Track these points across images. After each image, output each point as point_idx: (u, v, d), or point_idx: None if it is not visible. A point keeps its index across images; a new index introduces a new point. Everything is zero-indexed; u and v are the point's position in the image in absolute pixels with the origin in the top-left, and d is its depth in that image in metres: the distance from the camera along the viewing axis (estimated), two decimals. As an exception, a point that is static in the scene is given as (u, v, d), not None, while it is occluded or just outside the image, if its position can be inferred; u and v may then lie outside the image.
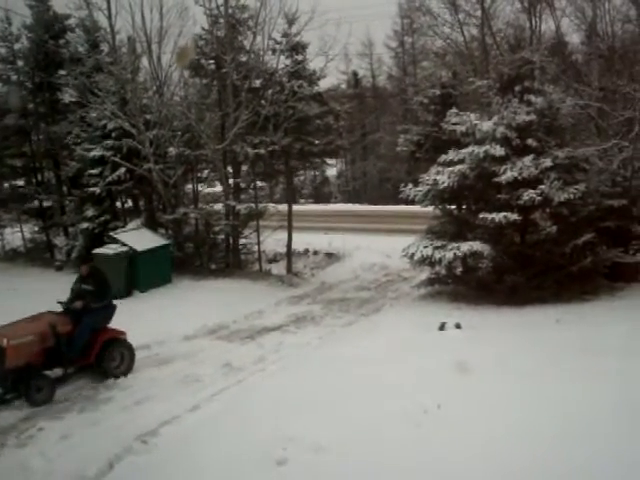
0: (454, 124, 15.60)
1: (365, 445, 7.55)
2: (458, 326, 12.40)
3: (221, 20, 18.86)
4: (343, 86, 40.57)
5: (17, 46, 21.57)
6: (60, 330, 10.26)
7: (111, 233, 17.50)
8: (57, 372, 10.34)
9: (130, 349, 11.07)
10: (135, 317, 14.28)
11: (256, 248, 19.98)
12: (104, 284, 11.00)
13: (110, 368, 10.74)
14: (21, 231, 22.34)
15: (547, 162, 14.44)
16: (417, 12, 32.46)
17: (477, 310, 14.04)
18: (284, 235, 19.80)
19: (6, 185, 22.58)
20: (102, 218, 18.71)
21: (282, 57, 18.90)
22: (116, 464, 7.68)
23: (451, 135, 15.88)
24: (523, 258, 14.75)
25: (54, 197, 21.49)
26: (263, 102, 18.41)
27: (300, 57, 18.88)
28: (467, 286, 15.55)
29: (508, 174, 14.28)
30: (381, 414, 8.33)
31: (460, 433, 7.65)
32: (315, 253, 22.20)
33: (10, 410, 9.48)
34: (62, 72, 20.99)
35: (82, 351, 10.55)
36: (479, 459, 7.03)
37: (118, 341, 10.97)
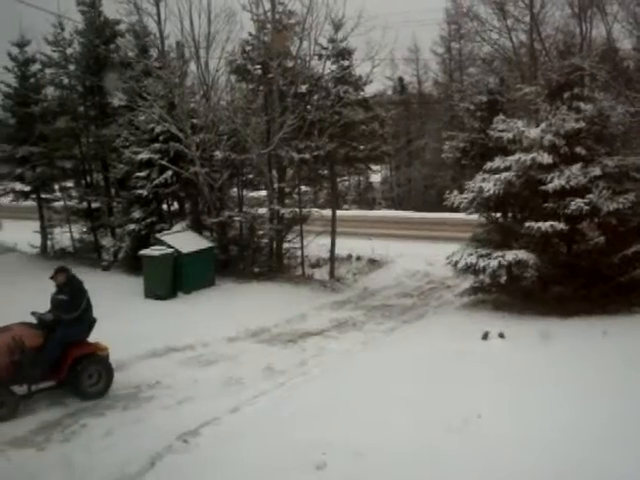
0: (501, 131, 15.43)
1: (404, 453, 7.52)
2: (501, 336, 12.25)
3: (268, 26, 19.01)
4: (389, 92, 40.58)
5: (69, 51, 21.97)
6: (28, 343, 9.54)
7: (157, 235, 17.74)
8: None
9: (107, 366, 10.25)
10: (179, 318, 14.57)
11: (299, 252, 20.02)
12: (78, 295, 10.11)
13: (83, 386, 9.94)
14: (70, 231, 22.78)
15: (596, 171, 14.19)
16: (464, 18, 32.38)
17: (521, 320, 13.83)
18: (327, 240, 19.82)
19: (56, 186, 23.06)
20: (148, 220, 18.97)
21: (328, 62, 18.97)
22: (157, 462, 7.79)
23: (497, 142, 15.70)
24: (569, 268, 14.49)
25: (102, 199, 21.85)
26: (309, 107, 18.49)
27: (346, 63, 18.89)
28: (511, 295, 15.34)
29: (555, 182, 14.07)
30: (421, 422, 8.29)
31: (500, 443, 7.57)
32: (358, 259, 22.15)
33: (56, 406, 9.66)
34: (112, 76, 21.35)
35: (53, 367, 9.77)
36: (517, 470, 6.95)
37: (94, 357, 10.15)
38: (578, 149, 14.55)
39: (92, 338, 12.17)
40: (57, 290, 10.18)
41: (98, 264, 20.78)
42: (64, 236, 22.96)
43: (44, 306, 10.27)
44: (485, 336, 12.28)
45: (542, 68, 18.62)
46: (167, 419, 9.05)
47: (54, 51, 21.88)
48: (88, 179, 22.62)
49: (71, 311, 9.90)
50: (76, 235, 22.79)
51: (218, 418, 9.05)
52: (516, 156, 14.70)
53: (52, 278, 10.18)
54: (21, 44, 22.13)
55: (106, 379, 10.22)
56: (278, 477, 7.20)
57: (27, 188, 22.94)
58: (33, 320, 10.06)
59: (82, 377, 9.94)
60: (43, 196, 23.14)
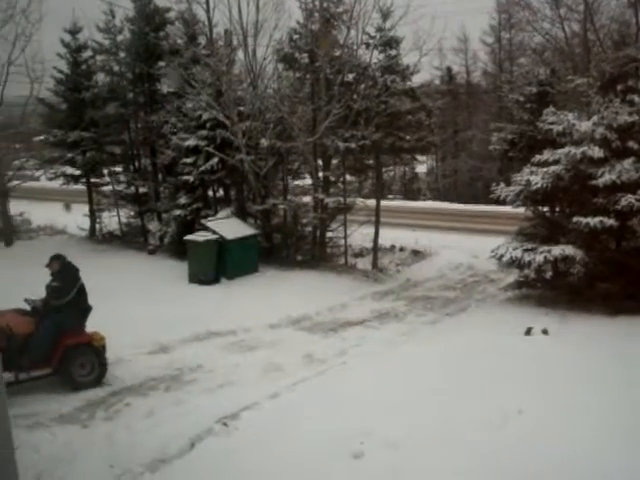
0: (550, 123, 15.15)
1: (442, 445, 7.50)
2: (545, 332, 12.09)
3: (316, 14, 18.97)
4: (436, 82, 40.13)
5: (119, 38, 22.34)
6: (18, 330, 9.37)
7: (202, 221, 17.94)
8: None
9: (101, 357, 9.98)
10: (222, 303, 14.74)
11: (342, 242, 20.01)
12: (70, 281, 9.82)
13: (74, 376, 9.69)
14: (118, 215, 23.22)
15: (649, 166, 13.84)
16: (516, 7, 31.78)
17: (566, 317, 13.61)
18: (371, 230, 19.77)
19: (105, 171, 23.48)
20: (194, 206, 19.19)
21: (375, 52, 18.83)
22: (197, 444, 7.93)
23: (547, 135, 15.42)
24: (618, 265, 14.17)
25: (149, 184, 22.17)
26: (355, 96, 18.41)
27: (394, 52, 18.74)
28: (556, 291, 15.09)
29: (606, 177, 13.76)
30: (460, 416, 8.25)
31: (539, 440, 7.49)
32: (401, 250, 22.06)
33: (101, 385, 9.88)
34: (161, 63, 21.61)
35: (45, 355, 9.57)
36: (555, 467, 6.88)
37: (88, 347, 9.91)
38: (630, 143, 14.19)
39: (137, 320, 12.46)
40: (52, 278, 9.88)
41: (144, 248, 21.16)
42: (112, 220, 23.43)
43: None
44: (528, 332, 12.14)
45: (595, 59, 18.14)
46: (208, 402, 9.18)
47: (105, 38, 22.30)
48: (136, 164, 22.98)
49: (61, 297, 9.67)
50: (124, 219, 23.24)
51: (258, 403, 9.15)
52: (566, 149, 14.43)
53: (47, 266, 9.91)
54: (73, 31, 22.59)
55: (99, 370, 9.93)
56: (315, 465, 7.24)
57: (77, 172, 23.41)
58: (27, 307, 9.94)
59: (74, 367, 9.71)
60: (92, 180, 23.62)
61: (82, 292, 10.00)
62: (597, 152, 13.98)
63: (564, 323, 13.01)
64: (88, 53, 22.94)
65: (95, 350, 9.95)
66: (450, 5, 35.72)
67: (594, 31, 24.17)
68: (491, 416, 8.09)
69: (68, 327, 9.78)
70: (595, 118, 14.46)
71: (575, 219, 14.00)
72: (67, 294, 9.71)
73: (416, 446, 7.50)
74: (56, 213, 27.30)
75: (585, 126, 14.38)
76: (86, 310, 10.09)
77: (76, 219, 23.76)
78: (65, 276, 9.84)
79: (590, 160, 14.11)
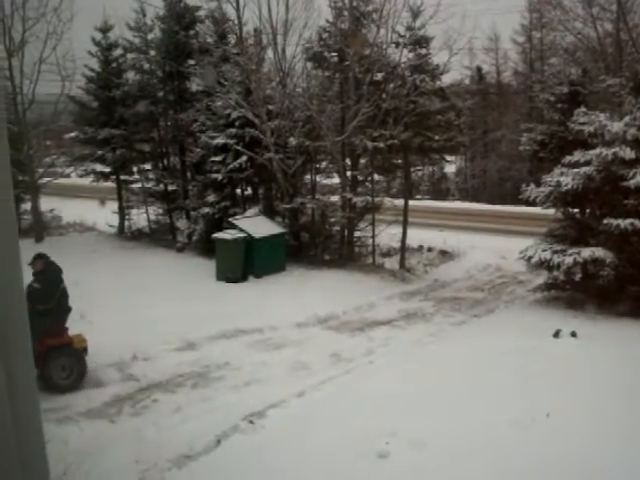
0: (582, 124, 14.97)
1: (468, 446, 7.47)
2: (574, 335, 11.96)
3: (345, 13, 18.95)
4: (466, 81, 39.85)
5: (150, 36, 22.54)
6: None
7: (230, 219, 18.03)
8: None
9: (80, 360, 9.84)
10: (249, 301, 14.81)
11: (370, 241, 19.98)
12: (52, 285, 9.63)
13: (54, 378, 9.56)
14: (147, 212, 23.42)
15: (682, 168, 13.63)
16: (547, 6, 31.48)
17: (595, 320, 13.46)
18: (399, 230, 19.70)
19: (134, 168, 23.72)
20: (222, 204, 19.29)
21: (405, 51, 18.75)
22: (223, 441, 7.99)
23: (578, 135, 15.25)
24: (649, 268, 13.99)
25: (178, 182, 22.34)
26: (384, 96, 18.35)
27: (423, 51, 18.65)
28: (586, 294, 14.91)
29: (638, 178, 13.58)
30: (487, 417, 8.21)
31: (567, 443, 7.42)
32: (429, 250, 21.95)
33: (129, 380, 9.99)
34: (191, 62, 21.75)
35: None
36: (583, 470, 6.82)
37: (68, 349, 9.78)
38: (663, 145, 14.00)
39: (165, 317, 12.58)
40: (33, 278, 9.56)
41: (173, 245, 21.33)
42: (141, 217, 23.64)
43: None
44: (557, 334, 12.02)
45: (628, 59, 17.97)
46: (234, 399, 9.25)
47: (135, 36, 22.51)
48: (165, 162, 23.17)
49: (44, 302, 9.42)
50: (152, 216, 23.43)
51: (284, 401, 9.18)
52: (597, 150, 14.26)
53: (31, 265, 9.56)
54: (104, 29, 22.85)
55: (78, 372, 9.78)
56: (341, 464, 7.26)
57: (107, 169, 23.65)
58: None
59: (55, 368, 9.59)
60: (122, 177, 23.86)
61: (64, 295, 9.81)
62: (629, 153, 13.80)
63: (593, 326, 12.86)
64: (119, 51, 23.18)
65: (75, 352, 9.85)
66: (481, 4, 35.31)
67: (627, 31, 23.83)
68: (519, 418, 8.04)
69: (49, 329, 9.49)
70: (627, 119, 14.27)
71: (606, 221, 13.84)
72: (51, 299, 9.56)
73: (441, 446, 7.48)
74: (86, 210, 27.59)
75: (617, 127, 14.20)
76: (67, 311, 9.91)
77: (106, 216, 24.02)
78: (47, 278, 9.65)
79: (621, 161, 13.93)
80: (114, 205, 24.50)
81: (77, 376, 9.78)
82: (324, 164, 20.68)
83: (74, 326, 10.21)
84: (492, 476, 6.89)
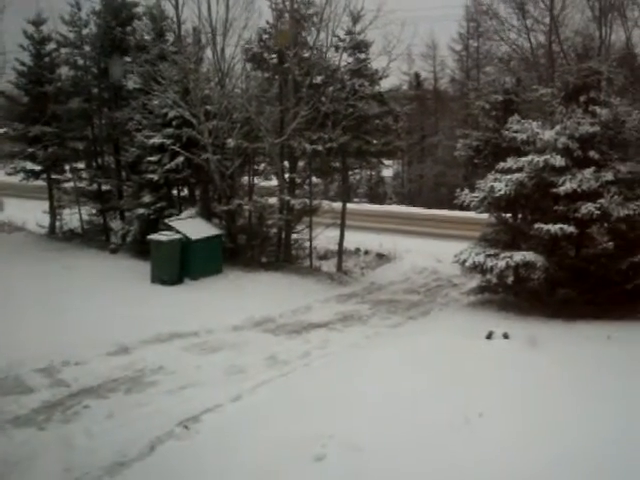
0: (515, 131, 15.36)
1: (404, 448, 7.52)
2: (506, 336, 12.21)
3: (286, 15, 18.94)
4: (405, 87, 40.31)
5: (85, 31, 21.93)
6: None
7: (166, 220, 17.75)
8: None
9: None
10: (185, 304, 14.62)
11: (307, 244, 20.02)
12: None
13: None
14: (79, 213, 22.81)
15: (608, 176, 14.13)
16: (484, 16, 32.23)
17: (526, 321, 13.80)
18: (336, 233, 19.80)
19: (67, 167, 23.08)
20: (158, 205, 18.98)
21: (345, 55, 18.93)
22: (157, 447, 7.82)
23: (511, 142, 15.65)
24: (577, 272, 14.44)
25: (113, 181, 21.87)
26: (323, 99, 18.42)
27: (363, 56, 18.84)
28: (517, 296, 15.32)
29: (567, 185, 14.00)
30: (421, 419, 8.28)
31: (500, 443, 7.56)
32: (366, 253, 22.14)
33: (58, 386, 9.71)
34: (127, 59, 21.34)
35: None
36: (515, 469, 6.96)
37: None
38: (591, 153, 14.48)
39: (97, 320, 12.31)
40: None
41: (106, 247, 20.87)
42: (73, 217, 23.00)
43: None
44: (489, 335, 12.24)
45: (559, 70, 18.48)
46: (169, 404, 9.08)
47: (70, 31, 21.88)
48: (99, 161, 22.63)
49: None
50: (85, 217, 22.84)
51: (220, 405, 9.08)
52: (529, 157, 14.64)
53: None
54: (37, 22, 22.16)
55: None
56: (277, 468, 7.20)
57: (38, 168, 22.96)
58: None
59: None
60: (53, 176, 23.18)
61: None
62: (559, 161, 14.22)
63: (524, 328, 13.14)
64: (52, 46, 22.46)
65: None
66: (420, 12, 35.93)
67: (559, 43, 24.64)
68: (452, 419, 8.13)
69: None
70: (558, 128, 14.70)
71: (536, 226, 14.22)
72: None
73: (378, 449, 7.51)
74: (15, 209, 26.69)
75: (548, 135, 14.62)
76: None
77: (35, 216, 23.29)
78: None
79: (552, 168, 14.35)
80: (40, 205, 23.74)
81: None
82: (262, 166, 20.61)
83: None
84: (428, 477, 6.96)
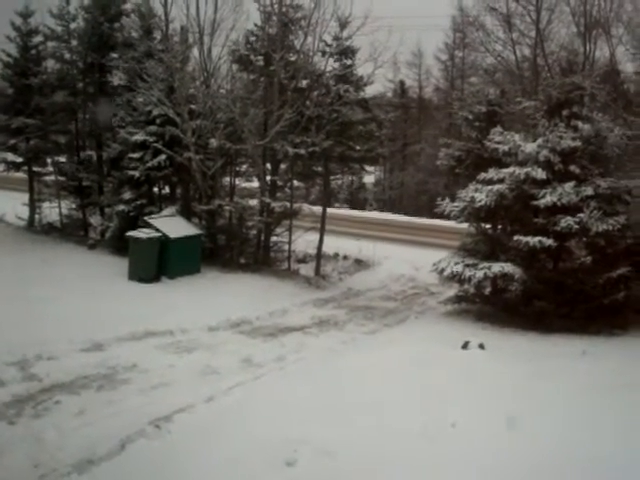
0: (497, 143, 15.48)
1: (376, 454, 7.53)
2: (482, 346, 12.27)
3: (274, 17, 18.95)
4: (389, 94, 40.55)
5: (73, 25, 21.85)
6: None
7: (146, 218, 17.65)
8: None
9: None
10: (161, 303, 14.53)
11: (287, 247, 20.01)
12: None
13: None
14: (59, 206, 22.62)
15: (588, 190, 14.27)
16: (470, 27, 32.39)
17: (502, 332, 13.90)
18: (315, 237, 19.81)
19: (48, 160, 22.90)
20: (138, 202, 18.87)
21: (331, 60, 18.99)
22: (127, 445, 7.75)
23: (493, 153, 15.76)
24: (554, 285, 14.56)
25: (94, 177, 21.72)
26: (308, 103, 18.45)
27: (349, 61, 18.90)
28: (494, 307, 15.40)
29: (547, 198, 14.14)
30: (394, 426, 8.29)
31: (471, 453, 7.59)
32: (345, 258, 22.17)
33: (30, 380, 9.60)
34: (114, 55, 21.20)
35: None
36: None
37: None
38: (572, 167, 14.61)
39: (72, 315, 12.18)
40: None
41: (84, 242, 20.69)
42: (53, 211, 22.82)
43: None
44: (465, 345, 12.30)
45: (543, 84, 18.61)
46: (141, 403, 9.01)
47: (58, 24, 21.78)
48: (81, 156, 22.46)
49: None
50: (65, 211, 22.66)
51: (192, 406, 9.03)
52: (510, 169, 14.76)
53: None
54: (25, 14, 21.98)
55: None
56: (248, 471, 7.17)
57: (19, 159, 22.74)
58: None
59: None
60: (35, 169, 22.96)
61: None
62: (540, 174, 14.35)
63: (501, 338, 13.26)
64: (39, 38, 22.30)
65: None
66: (407, 20, 36.06)
67: (543, 57, 24.85)
68: (425, 428, 8.15)
69: None
70: (540, 141, 14.83)
71: (516, 237, 14.34)
72: None
73: (350, 455, 7.50)
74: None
75: (530, 148, 14.74)
76: None
77: (15, 207, 23.05)
78: None
79: (533, 181, 14.48)
80: (20, 197, 23.51)
81: None
82: (244, 167, 20.62)
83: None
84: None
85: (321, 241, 19.78)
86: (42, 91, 21.75)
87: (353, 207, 38.60)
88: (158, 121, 18.57)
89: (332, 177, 21.85)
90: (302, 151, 17.96)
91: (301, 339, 13.11)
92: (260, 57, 19.15)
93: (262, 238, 19.69)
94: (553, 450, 7.64)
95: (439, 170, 21.99)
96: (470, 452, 7.63)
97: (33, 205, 22.98)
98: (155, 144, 18.42)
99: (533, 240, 13.98)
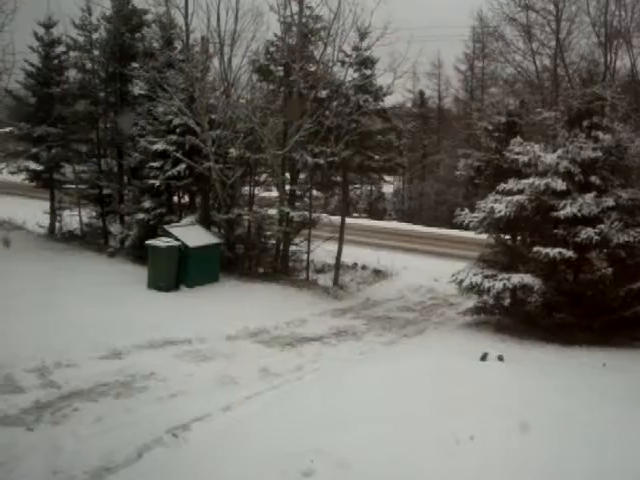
0: (517, 153, 15.40)
1: (392, 467, 7.46)
2: (500, 358, 12.16)
3: (294, 28, 19.05)
4: (408, 104, 40.55)
5: (95, 36, 22.09)
6: None
7: (165, 226, 17.74)
8: None
9: None
10: (180, 311, 14.58)
11: (305, 257, 20.01)
12: None
13: None
14: (79, 215, 22.84)
15: (609, 201, 14.16)
16: (490, 37, 32.40)
17: (522, 344, 13.78)
18: (334, 247, 19.79)
19: (69, 169, 23.12)
20: (158, 211, 19.00)
21: (350, 70, 18.99)
22: (145, 453, 7.76)
23: (512, 164, 15.69)
24: (574, 297, 14.44)
25: (114, 185, 21.92)
26: (327, 113, 18.50)
27: (368, 72, 18.89)
28: (514, 319, 15.29)
29: (567, 210, 14.04)
30: (411, 438, 8.22)
31: (490, 467, 7.51)
32: (363, 268, 22.13)
33: (49, 387, 9.66)
34: (135, 65, 21.41)
35: None
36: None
37: None
38: (593, 178, 14.51)
39: (91, 323, 12.24)
40: None
41: (104, 250, 20.86)
42: (73, 219, 23.01)
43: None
44: (484, 357, 12.19)
45: (563, 94, 18.57)
46: (158, 411, 9.02)
47: (80, 35, 22.01)
48: (102, 164, 22.66)
49: None
50: (85, 219, 22.85)
51: (209, 415, 9.02)
52: (530, 180, 14.68)
53: None
54: (48, 25, 22.28)
55: None
56: (264, 481, 7.16)
57: (41, 168, 22.98)
58: None
59: None
60: (56, 177, 23.20)
61: None
62: (560, 185, 14.25)
63: (520, 350, 13.15)
64: (61, 48, 22.58)
65: None
66: (427, 30, 36.18)
67: (564, 67, 24.77)
68: (443, 440, 8.08)
69: None
70: (560, 151, 14.75)
71: (535, 249, 14.23)
72: None
73: (367, 467, 7.45)
74: (16, 208, 26.69)
75: (550, 158, 14.66)
76: None
77: (36, 215, 23.28)
78: None
79: (553, 192, 14.38)
80: (41, 205, 23.76)
81: None
82: (263, 177, 20.66)
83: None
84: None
85: (340, 251, 19.76)
86: (64, 100, 22.00)
87: (372, 217, 38.60)
88: (178, 130, 18.71)
89: (351, 187, 21.85)
90: (321, 161, 17.99)
91: (319, 349, 13.09)
92: (280, 67, 19.24)
93: (281, 247, 19.72)
94: (573, 464, 7.54)
95: (458, 180, 21.93)
96: (488, 466, 7.54)
97: (54, 213, 23.20)
98: (175, 153, 18.55)
99: (553, 251, 13.87)
